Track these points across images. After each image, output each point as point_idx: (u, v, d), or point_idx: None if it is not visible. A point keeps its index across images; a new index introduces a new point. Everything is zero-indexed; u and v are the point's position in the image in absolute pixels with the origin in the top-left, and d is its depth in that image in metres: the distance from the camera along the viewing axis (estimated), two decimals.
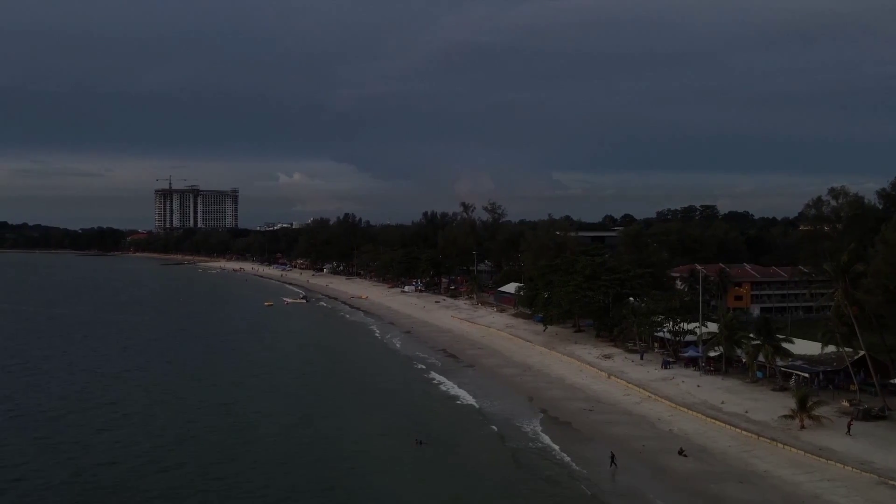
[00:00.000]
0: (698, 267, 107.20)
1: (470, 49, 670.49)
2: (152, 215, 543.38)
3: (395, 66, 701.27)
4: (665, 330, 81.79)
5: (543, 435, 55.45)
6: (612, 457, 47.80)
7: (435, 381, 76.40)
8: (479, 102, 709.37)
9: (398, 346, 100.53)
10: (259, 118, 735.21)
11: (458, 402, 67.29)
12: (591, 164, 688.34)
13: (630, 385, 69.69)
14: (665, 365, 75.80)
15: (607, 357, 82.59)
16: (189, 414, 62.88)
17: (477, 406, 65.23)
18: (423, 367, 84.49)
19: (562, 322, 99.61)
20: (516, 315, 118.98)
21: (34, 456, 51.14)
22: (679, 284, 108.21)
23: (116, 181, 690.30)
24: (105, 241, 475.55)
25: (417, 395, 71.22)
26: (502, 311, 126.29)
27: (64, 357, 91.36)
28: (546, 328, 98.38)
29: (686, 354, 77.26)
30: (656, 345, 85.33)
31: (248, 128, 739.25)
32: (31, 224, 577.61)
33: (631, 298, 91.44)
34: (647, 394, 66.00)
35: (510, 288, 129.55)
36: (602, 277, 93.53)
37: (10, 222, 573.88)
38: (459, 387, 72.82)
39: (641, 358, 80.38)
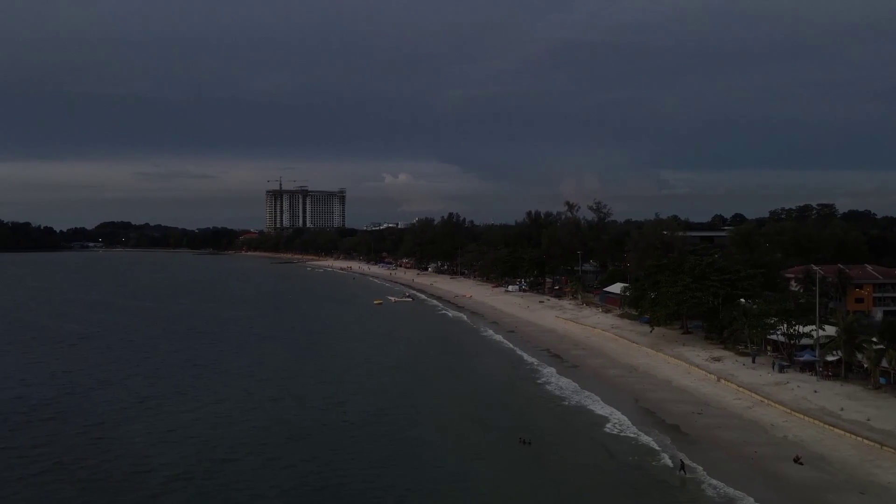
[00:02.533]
0: (814, 267, 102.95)
1: (575, 47, 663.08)
2: (264, 215, 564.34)
3: (499, 65, 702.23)
4: (779, 333, 78.91)
5: (649, 438, 54.59)
6: (682, 464, 47.03)
7: (539, 381, 76.44)
8: (583, 101, 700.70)
9: (501, 345, 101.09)
10: (366, 120, 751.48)
11: (564, 402, 67.08)
12: (699, 163, 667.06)
13: (741, 389, 67.64)
14: (779, 369, 73.22)
15: (717, 360, 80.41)
16: (301, 411, 65.49)
17: (581, 406, 64.97)
18: (527, 366, 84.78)
19: (669, 323, 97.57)
20: (622, 316, 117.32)
21: (161, 450, 54.30)
22: (794, 286, 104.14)
23: (230, 182, 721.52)
24: (219, 240, 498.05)
25: (521, 393, 71.49)
26: (608, 311, 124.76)
27: (186, 353, 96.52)
28: (652, 329, 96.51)
29: (801, 358, 74.31)
30: (769, 348, 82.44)
31: (356, 129, 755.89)
32: (152, 224, 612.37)
33: (742, 300, 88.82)
34: (760, 398, 63.90)
35: (616, 288, 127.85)
36: (711, 278, 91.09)
37: (133, 222, 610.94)
38: (563, 387, 72.73)
39: (753, 361, 77.83)
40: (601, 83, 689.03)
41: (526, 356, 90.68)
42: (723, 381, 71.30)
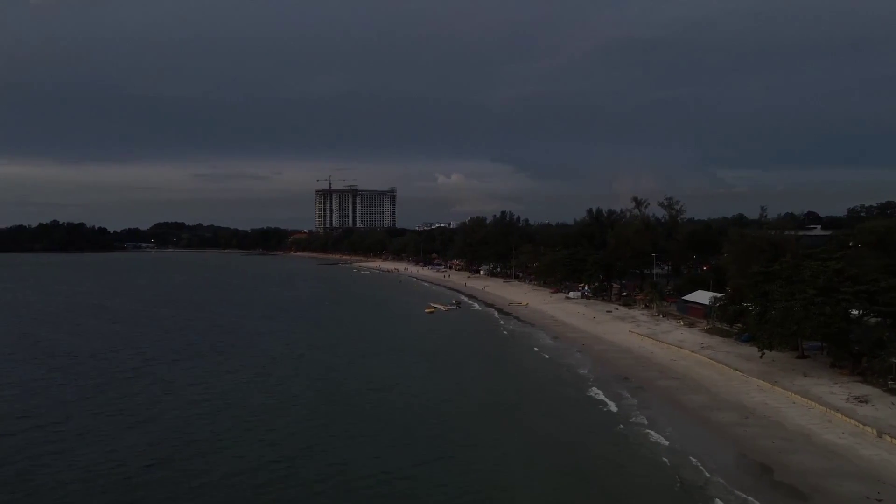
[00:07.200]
0: None
1: (628, 45, 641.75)
2: (314, 215, 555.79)
3: (552, 64, 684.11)
4: None
5: None
6: None
7: (620, 427, 56.87)
8: (637, 99, 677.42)
9: (566, 370, 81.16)
10: (418, 120, 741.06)
11: (661, 459, 47.39)
12: (757, 161, 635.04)
13: None
14: None
15: (861, 401, 59.63)
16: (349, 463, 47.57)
17: (684, 476, 45.05)
18: (601, 402, 65.21)
19: (780, 345, 76.67)
20: (709, 331, 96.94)
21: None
22: None
23: (283, 183, 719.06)
24: (269, 240, 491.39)
25: (599, 446, 52.15)
26: (691, 325, 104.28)
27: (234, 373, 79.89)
28: (763, 354, 75.09)
29: None
30: None
31: (408, 130, 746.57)
32: (204, 224, 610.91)
33: (875, 318, 68.22)
34: None
35: (701, 297, 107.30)
36: (841, 289, 70.34)
37: (186, 223, 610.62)
38: (655, 437, 53.31)
39: None
40: (654, 80, 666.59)
41: (597, 387, 71.04)
42: (886, 436, 50.73)
